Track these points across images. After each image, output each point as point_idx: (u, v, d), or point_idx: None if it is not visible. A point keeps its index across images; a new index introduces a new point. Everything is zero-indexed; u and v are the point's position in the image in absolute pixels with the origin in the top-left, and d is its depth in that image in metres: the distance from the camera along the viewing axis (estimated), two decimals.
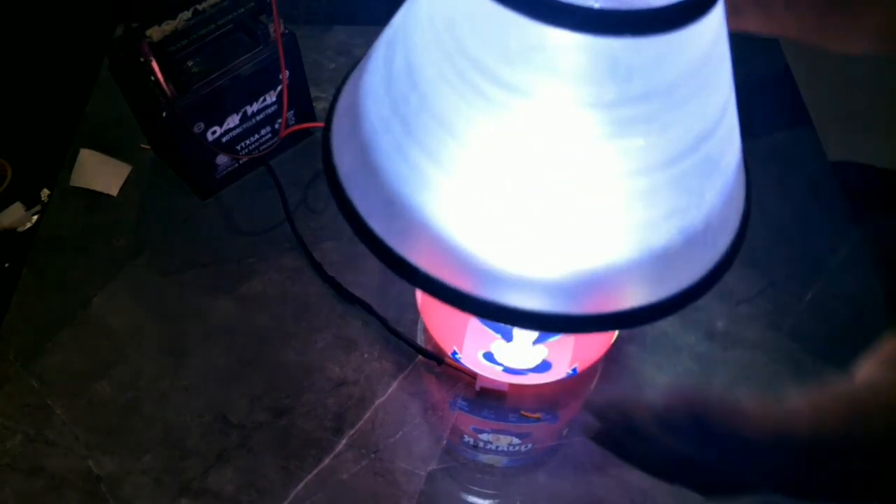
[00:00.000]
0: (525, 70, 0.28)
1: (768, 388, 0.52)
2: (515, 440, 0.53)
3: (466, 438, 0.52)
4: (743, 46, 0.75)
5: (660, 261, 0.34)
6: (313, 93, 0.65)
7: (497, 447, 0.52)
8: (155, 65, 0.50)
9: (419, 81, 0.32)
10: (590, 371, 0.53)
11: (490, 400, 0.52)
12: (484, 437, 0.52)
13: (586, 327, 0.35)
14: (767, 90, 0.72)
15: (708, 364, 0.54)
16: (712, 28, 0.30)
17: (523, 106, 0.29)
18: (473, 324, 0.45)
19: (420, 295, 0.50)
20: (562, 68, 0.28)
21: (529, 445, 0.53)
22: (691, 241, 0.34)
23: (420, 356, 0.53)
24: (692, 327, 0.55)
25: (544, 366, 0.47)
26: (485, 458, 0.51)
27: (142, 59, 0.50)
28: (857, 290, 0.58)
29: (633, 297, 0.34)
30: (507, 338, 0.45)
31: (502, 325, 0.44)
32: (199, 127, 0.55)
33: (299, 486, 0.47)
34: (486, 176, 0.32)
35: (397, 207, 0.34)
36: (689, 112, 0.31)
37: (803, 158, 0.66)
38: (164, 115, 0.52)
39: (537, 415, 0.51)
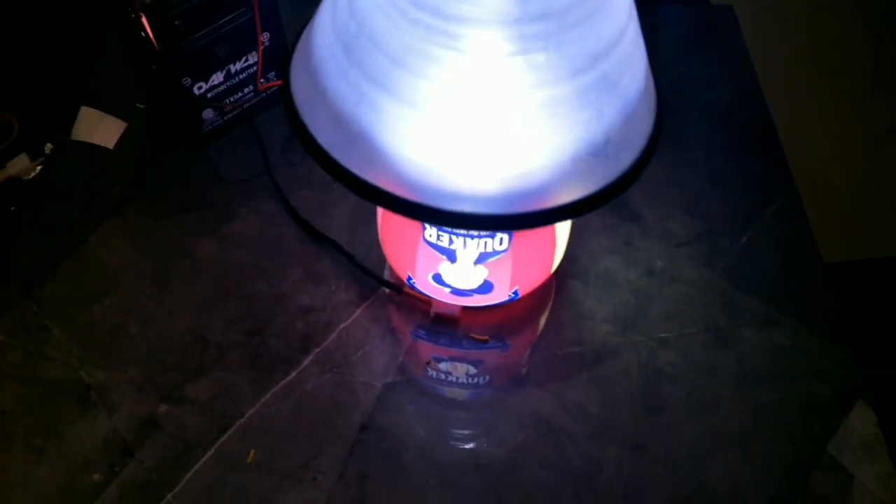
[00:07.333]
0: None
1: (699, 320, 0.57)
2: (472, 369, 0.58)
3: (430, 372, 0.56)
4: (701, 19, 0.81)
5: (566, 168, 0.39)
6: None
7: (457, 378, 0.57)
8: (145, 21, 0.56)
9: (356, 10, 0.37)
10: (535, 301, 0.58)
11: (445, 327, 0.57)
12: (443, 366, 0.57)
13: (508, 225, 0.40)
14: (722, 56, 0.76)
15: (645, 298, 0.58)
16: None
17: (443, 25, 0.35)
18: (422, 247, 0.50)
19: (379, 225, 0.56)
20: None
21: (487, 377, 0.57)
22: (593, 153, 0.39)
23: (383, 288, 0.59)
24: (633, 266, 0.60)
25: (486, 286, 0.52)
26: (448, 391, 0.55)
27: (133, 16, 0.56)
28: (791, 236, 0.63)
29: (545, 200, 0.40)
30: (452, 259, 0.50)
31: (446, 248, 0.49)
32: (186, 81, 0.61)
33: (267, 395, 0.53)
34: (414, 90, 0.37)
35: (340, 122, 0.40)
36: (582, 32, 0.36)
37: (749, 119, 0.71)
38: (153, 67, 0.58)
39: (485, 337, 0.56)
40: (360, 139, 0.39)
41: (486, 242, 0.48)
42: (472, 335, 0.56)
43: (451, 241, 0.49)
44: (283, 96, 0.43)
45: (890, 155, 1.08)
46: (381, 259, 0.60)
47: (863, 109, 1.03)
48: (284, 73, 0.44)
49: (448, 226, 0.40)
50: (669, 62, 0.75)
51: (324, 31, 0.40)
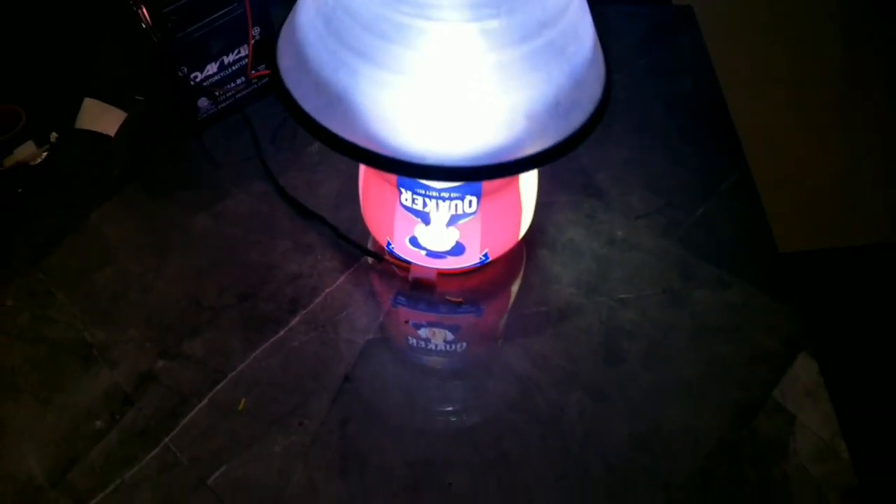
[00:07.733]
0: None
1: (656, 283, 0.62)
2: (449, 335, 0.62)
3: (411, 340, 0.60)
4: (662, 18, 0.87)
5: (521, 125, 0.44)
6: None
7: (436, 346, 0.61)
8: (145, 13, 0.61)
9: None
10: (506, 268, 0.63)
11: (422, 292, 0.62)
12: (422, 332, 0.62)
13: (472, 175, 0.45)
14: (681, 50, 0.82)
15: (606, 264, 0.63)
16: None
17: None
18: (399, 212, 0.55)
19: (361, 195, 0.60)
20: None
21: (464, 344, 0.62)
22: (545, 111, 0.44)
23: (365, 257, 0.63)
24: (595, 236, 0.65)
25: (458, 248, 0.56)
26: (426, 359, 0.60)
27: (134, 9, 0.61)
28: (743, 209, 0.68)
29: (504, 154, 0.44)
30: (426, 221, 0.55)
31: (420, 211, 0.54)
32: (182, 71, 0.66)
33: (257, 351, 0.57)
34: (385, 55, 0.42)
35: (321, 87, 0.45)
36: (529, 1, 0.41)
37: (706, 107, 0.76)
38: (152, 58, 0.63)
39: (459, 299, 0.61)
40: (339, 101, 0.44)
41: (456, 205, 0.53)
42: (447, 297, 0.61)
43: (424, 204, 0.53)
44: (270, 67, 0.48)
45: (841, 144, 1.15)
46: (364, 232, 0.65)
47: (816, 101, 1.10)
48: (272, 48, 0.49)
49: (418, 177, 0.45)
50: (632, 56, 0.80)
51: (306, 5, 0.46)
